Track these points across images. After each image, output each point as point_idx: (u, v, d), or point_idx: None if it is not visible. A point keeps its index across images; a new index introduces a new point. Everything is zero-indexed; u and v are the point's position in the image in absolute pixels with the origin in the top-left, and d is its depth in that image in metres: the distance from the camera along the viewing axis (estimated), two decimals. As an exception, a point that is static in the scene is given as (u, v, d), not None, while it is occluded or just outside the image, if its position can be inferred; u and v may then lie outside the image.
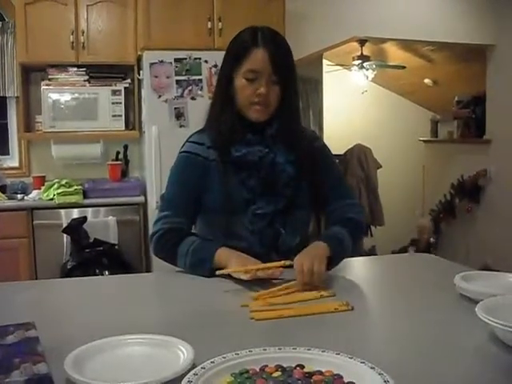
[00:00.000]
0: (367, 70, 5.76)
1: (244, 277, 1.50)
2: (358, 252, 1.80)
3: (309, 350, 0.97)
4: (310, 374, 0.89)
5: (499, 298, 1.20)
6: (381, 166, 5.55)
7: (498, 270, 1.55)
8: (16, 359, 0.88)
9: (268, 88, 1.67)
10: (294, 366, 0.93)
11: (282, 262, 1.50)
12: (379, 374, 0.87)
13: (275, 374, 0.89)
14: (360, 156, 5.45)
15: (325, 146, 1.91)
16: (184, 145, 1.82)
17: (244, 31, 1.74)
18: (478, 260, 4.85)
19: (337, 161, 1.98)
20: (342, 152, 5.46)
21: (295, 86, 1.76)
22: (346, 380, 0.88)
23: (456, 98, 5.79)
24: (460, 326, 1.21)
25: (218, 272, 1.54)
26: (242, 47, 1.69)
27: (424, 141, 6.57)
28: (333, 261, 1.61)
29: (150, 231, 1.81)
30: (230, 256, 1.59)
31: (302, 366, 0.92)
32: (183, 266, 1.67)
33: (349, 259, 1.82)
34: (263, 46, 1.66)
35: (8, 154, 4.64)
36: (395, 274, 1.78)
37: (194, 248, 1.65)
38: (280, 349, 0.98)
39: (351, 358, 0.94)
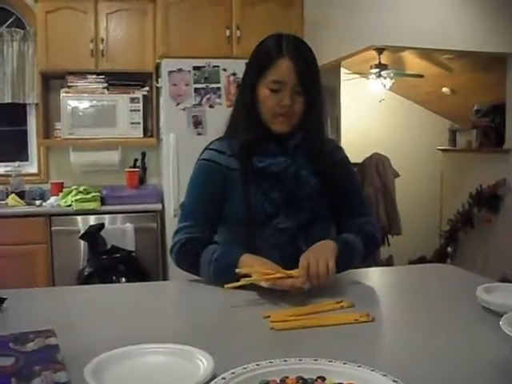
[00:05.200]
0: (385, 78, 5.74)
1: (264, 284, 1.47)
2: (373, 262, 1.77)
3: (330, 361, 0.96)
4: (332, 386, 0.88)
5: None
6: (398, 175, 5.52)
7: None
8: (36, 367, 0.88)
9: (292, 99, 1.63)
10: (315, 377, 0.91)
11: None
12: (402, 388, 0.86)
13: (296, 386, 0.88)
14: (378, 165, 5.43)
15: (346, 158, 1.87)
16: (203, 152, 1.79)
17: (268, 39, 1.70)
18: (496, 271, 4.79)
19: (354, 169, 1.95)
20: (359, 160, 5.44)
21: (320, 96, 1.71)
22: (368, 393, 0.87)
23: (475, 107, 5.74)
24: (483, 338, 1.19)
25: (240, 281, 1.47)
26: (267, 56, 1.65)
27: (442, 150, 6.52)
28: (340, 261, 1.56)
29: (168, 239, 1.80)
30: (254, 263, 1.55)
31: (324, 378, 0.91)
32: (206, 276, 1.63)
33: (368, 269, 1.80)
34: (288, 55, 1.62)
35: (27, 160, 4.68)
36: (415, 285, 1.75)
37: (216, 256, 1.61)
38: (301, 360, 0.97)
39: (373, 370, 0.92)
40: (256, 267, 1.52)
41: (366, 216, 1.83)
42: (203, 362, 0.97)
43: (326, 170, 1.72)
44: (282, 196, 1.68)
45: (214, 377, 0.90)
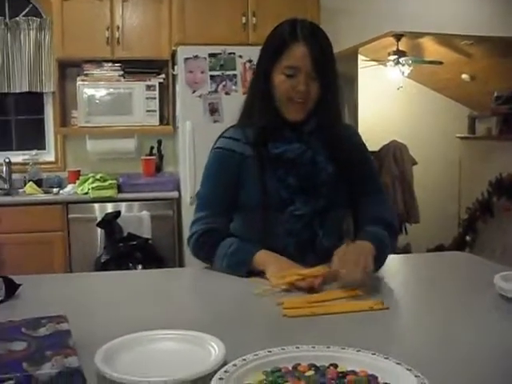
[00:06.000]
0: (403, 65, 5.67)
1: (282, 286, 1.44)
2: (391, 249, 1.74)
3: (343, 349, 0.95)
4: (344, 374, 0.87)
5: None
6: (416, 163, 5.47)
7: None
8: (48, 352, 0.88)
9: (307, 85, 1.61)
10: (327, 365, 0.90)
11: (318, 268, 1.44)
12: (416, 376, 0.84)
13: (308, 373, 0.87)
14: (395, 152, 5.39)
15: (362, 142, 1.84)
16: (218, 140, 1.78)
17: (283, 24, 1.68)
18: (515, 259, 4.74)
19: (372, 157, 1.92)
20: (377, 148, 5.39)
21: (336, 81, 1.68)
22: (381, 381, 0.86)
23: (495, 94, 5.66)
24: (500, 326, 1.18)
25: (256, 292, 1.41)
26: (281, 42, 1.63)
27: (461, 137, 6.45)
28: (377, 260, 1.52)
29: (185, 227, 1.80)
30: (268, 261, 1.54)
31: (336, 366, 0.90)
32: (220, 268, 1.63)
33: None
34: (303, 40, 1.60)
35: (44, 148, 4.71)
36: (431, 272, 1.73)
37: (232, 250, 1.61)
38: (313, 347, 0.95)
39: (387, 358, 0.91)
40: (270, 267, 1.50)
41: (378, 194, 1.79)
42: (215, 349, 0.97)
43: (342, 155, 1.69)
44: (297, 182, 1.66)
45: (225, 363, 0.90)
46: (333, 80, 1.67)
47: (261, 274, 1.54)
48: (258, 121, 1.68)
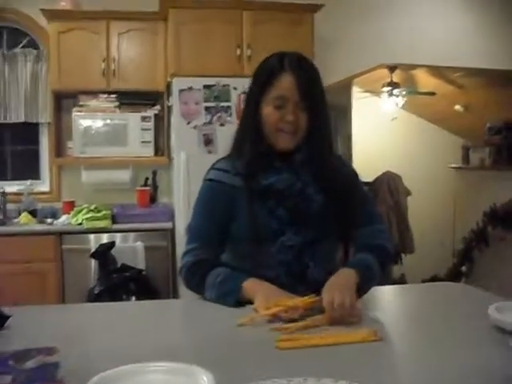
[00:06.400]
0: (397, 96, 5.73)
1: (268, 318, 1.42)
2: (385, 280, 1.74)
3: (336, 382, 0.94)
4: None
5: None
6: (411, 194, 5.48)
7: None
8: (35, 385, 0.87)
9: (296, 115, 1.63)
10: (319, 398, 0.89)
11: (305, 298, 1.43)
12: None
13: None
14: (390, 183, 5.40)
15: (354, 172, 1.85)
16: (208, 172, 1.79)
17: (271, 56, 1.70)
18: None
19: (366, 188, 1.92)
20: (371, 179, 5.41)
21: (325, 111, 1.69)
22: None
23: (488, 125, 5.71)
24: (494, 358, 1.16)
25: (239, 322, 1.40)
26: (269, 72, 1.65)
27: (455, 168, 6.48)
28: (362, 288, 1.54)
29: (179, 257, 1.79)
30: (257, 290, 1.53)
31: (328, 399, 0.89)
32: (209, 298, 1.62)
33: (378, 287, 1.77)
34: (290, 70, 1.62)
35: (39, 178, 4.71)
36: (426, 303, 1.72)
37: (220, 280, 1.61)
38: (305, 379, 0.94)
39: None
40: (258, 296, 1.50)
41: (376, 224, 1.79)
42: (205, 381, 0.95)
43: (333, 186, 1.69)
44: (288, 213, 1.66)
45: (215, 396, 0.88)
46: (322, 109, 1.68)
47: (250, 303, 1.53)
48: (248, 151, 1.69)
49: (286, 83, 1.62)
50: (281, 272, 1.64)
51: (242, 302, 1.54)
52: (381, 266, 1.67)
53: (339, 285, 1.48)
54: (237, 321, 1.40)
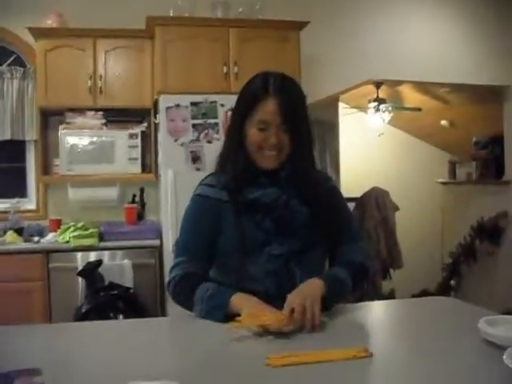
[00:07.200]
0: (383, 112, 5.76)
1: (256, 328, 1.45)
2: (375, 295, 1.74)
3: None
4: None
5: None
6: (398, 209, 5.50)
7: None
8: (20, 408, 0.85)
9: (278, 138, 1.67)
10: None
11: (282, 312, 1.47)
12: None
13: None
14: (377, 199, 5.41)
15: (335, 187, 1.91)
16: (197, 188, 1.82)
17: (255, 78, 1.75)
18: (500, 304, 4.72)
19: (350, 205, 1.95)
20: (359, 194, 5.42)
21: (307, 129, 1.74)
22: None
23: (474, 139, 5.76)
24: (485, 372, 1.16)
25: (228, 326, 1.45)
26: (253, 97, 1.69)
27: (442, 183, 6.51)
28: (328, 300, 1.58)
29: (166, 275, 1.79)
30: (244, 303, 1.54)
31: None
32: (198, 313, 1.63)
33: (368, 303, 1.77)
34: (273, 95, 1.66)
35: (25, 196, 4.67)
36: (416, 318, 1.72)
37: (208, 295, 1.61)
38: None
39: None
40: (244, 310, 1.51)
41: (355, 242, 1.84)
42: (194, 401, 0.94)
43: (315, 200, 1.73)
44: (274, 225, 1.70)
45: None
46: (305, 130, 1.73)
47: (238, 316, 1.52)
48: (233, 169, 1.73)
49: (268, 108, 1.66)
50: (269, 283, 1.66)
51: (230, 316, 1.54)
52: (353, 281, 1.70)
53: (303, 293, 1.53)
54: (225, 327, 1.43)
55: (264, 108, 1.66)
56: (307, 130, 1.74)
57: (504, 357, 1.05)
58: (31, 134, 4.50)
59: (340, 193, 1.91)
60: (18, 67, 4.50)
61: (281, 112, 1.65)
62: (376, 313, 1.87)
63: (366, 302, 1.75)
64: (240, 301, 1.56)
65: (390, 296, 5.65)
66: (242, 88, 1.77)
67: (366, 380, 1.15)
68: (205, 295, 1.62)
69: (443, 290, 5.84)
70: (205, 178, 1.83)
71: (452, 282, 5.86)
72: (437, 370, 1.19)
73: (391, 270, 5.41)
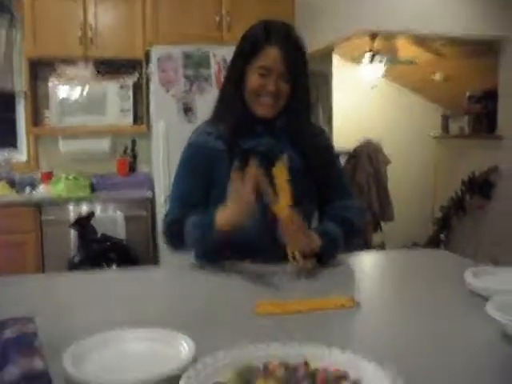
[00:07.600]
0: (380, 62, 5.69)
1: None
2: (362, 247, 1.77)
3: (314, 346, 0.94)
4: (315, 372, 0.86)
5: (510, 294, 1.16)
6: (390, 162, 5.50)
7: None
8: (12, 354, 0.86)
9: (277, 86, 1.67)
10: (298, 362, 0.89)
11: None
12: (386, 372, 0.84)
13: (278, 371, 0.86)
14: (369, 152, 5.41)
15: (329, 143, 1.91)
16: (191, 135, 1.82)
17: (256, 26, 1.73)
18: (487, 256, 4.79)
19: (342, 158, 1.96)
20: (351, 147, 5.42)
21: (306, 82, 1.74)
22: (352, 378, 0.85)
23: (467, 93, 5.72)
24: (470, 322, 1.18)
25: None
26: (255, 44, 1.68)
27: (435, 137, 6.50)
28: (322, 255, 1.61)
29: (158, 227, 1.80)
30: (227, 208, 1.55)
31: (307, 364, 0.89)
32: (192, 242, 1.65)
33: (357, 253, 1.79)
34: (276, 43, 1.65)
35: (16, 147, 4.63)
36: (404, 269, 1.74)
37: (195, 221, 1.63)
38: (284, 345, 0.95)
39: (357, 355, 0.91)
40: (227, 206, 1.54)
41: (347, 199, 1.85)
42: (184, 347, 0.96)
43: (308, 153, 1.75)
44: (267, 174, 1.67)
45: (195, 361, 0.89)
46: (304, 82, 1.73)
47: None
48: (230, 118, 1.73)
49: (271, 56, 1.65)
50: (260, 231, 1.65)
51: (222, 236, 1.56)
52: (345, 240, 1.72)
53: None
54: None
55: (267, 55, 1.65)
56: (306, 82, 1.74)
57: (486, 307, 1.07)
58: (20, 84, 4.43)
59: (333, 150, 1.92)
60: (3, 14, 4.37)
61: (284, 60, 1.65)
62: (365, 263, 1.89)
63: (356, 253, 1.77)
64: (220, 211, 1.57)
65: (381, 248, 5.71)
66: (241, 36, 1.75)
67: (351, 329, 1.17)
68: (194, 223, 1.62)
69: (433, 243, 5.90)
70: (199, 126, 1.82)
71: (442, 236, 5.92)
72: (422, 319, 1.22)
73: (382, 223, 5.45)
